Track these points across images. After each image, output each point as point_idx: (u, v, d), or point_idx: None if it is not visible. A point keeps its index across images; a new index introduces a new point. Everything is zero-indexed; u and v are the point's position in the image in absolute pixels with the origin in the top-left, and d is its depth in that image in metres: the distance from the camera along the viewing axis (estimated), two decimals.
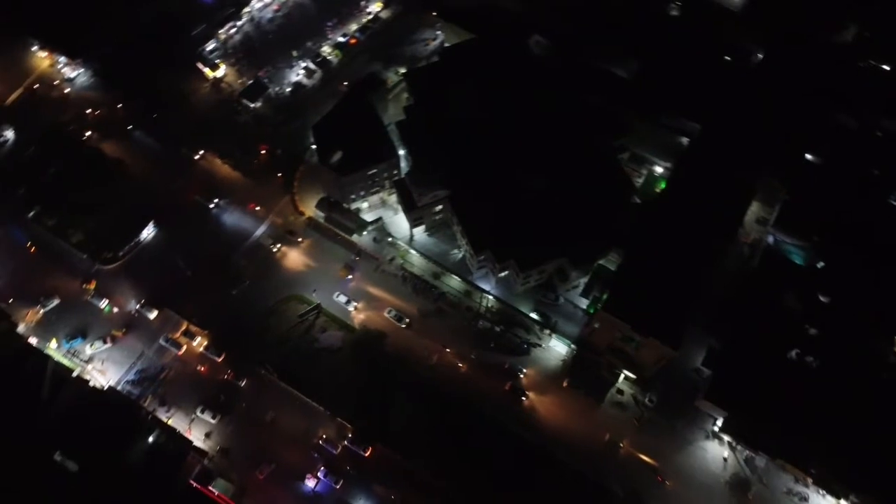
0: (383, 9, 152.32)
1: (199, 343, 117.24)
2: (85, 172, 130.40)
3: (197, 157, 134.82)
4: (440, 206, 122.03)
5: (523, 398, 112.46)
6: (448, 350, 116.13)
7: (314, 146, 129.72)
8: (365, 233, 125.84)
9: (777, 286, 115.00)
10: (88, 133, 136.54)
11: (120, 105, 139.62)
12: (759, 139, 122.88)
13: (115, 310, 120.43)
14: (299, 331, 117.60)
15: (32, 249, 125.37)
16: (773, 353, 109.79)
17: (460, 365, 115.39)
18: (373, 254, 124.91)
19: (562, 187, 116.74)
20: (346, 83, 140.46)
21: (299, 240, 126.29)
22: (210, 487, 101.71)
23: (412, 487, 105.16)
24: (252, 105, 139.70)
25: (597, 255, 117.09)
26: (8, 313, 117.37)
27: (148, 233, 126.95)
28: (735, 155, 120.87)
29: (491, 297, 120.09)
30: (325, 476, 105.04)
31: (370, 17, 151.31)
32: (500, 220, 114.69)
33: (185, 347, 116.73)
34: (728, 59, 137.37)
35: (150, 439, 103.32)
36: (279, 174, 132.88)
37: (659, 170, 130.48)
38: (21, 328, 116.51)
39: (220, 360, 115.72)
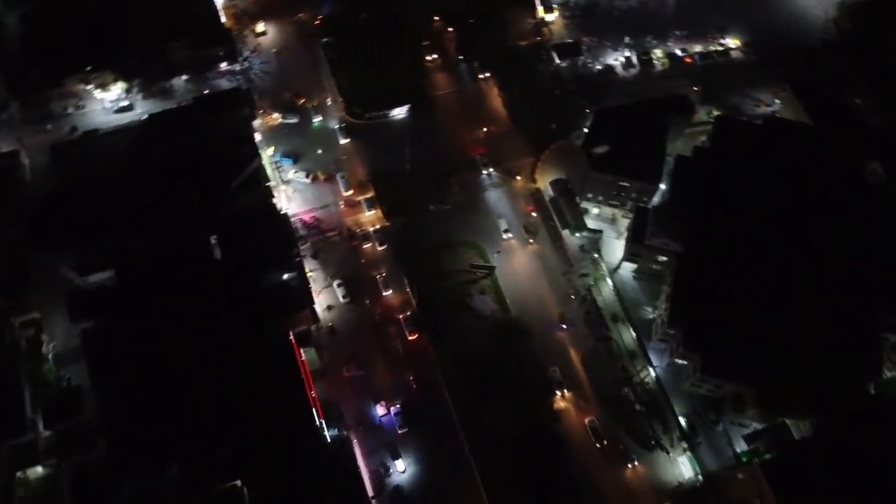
0: (738, 48, 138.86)
1: (372, 221, 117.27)
2: (383, 32, 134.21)
3: (481, 76, 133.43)
4: (665, 258, 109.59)
5: None
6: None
7: (586, 129, 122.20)
8: (578, 235, 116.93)
9: None
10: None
11: None
12: None
13: (320, 151, 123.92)
14: (462, 278, 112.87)
15: (317, 22, 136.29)
16: None
17: (580, 411, 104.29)
18: (571, 259, 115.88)
19: (801, 323, 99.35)
20: None
21: (530, 241, 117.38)
22: (302, 350, 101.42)
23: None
24: (557, 61, 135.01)
25: (792, 411, 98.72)
26: (255, 105, 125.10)
27: (399, 113, 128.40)
28: None
29: (653, 373, 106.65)
30: (395, 414, 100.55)
31: (720, 48, 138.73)
32: (713, 309, 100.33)
33: (353, 192, 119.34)
34: None
35: (285, 276, 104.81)
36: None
37: None
38: (256, 122, 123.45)
39: (381, 248, 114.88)
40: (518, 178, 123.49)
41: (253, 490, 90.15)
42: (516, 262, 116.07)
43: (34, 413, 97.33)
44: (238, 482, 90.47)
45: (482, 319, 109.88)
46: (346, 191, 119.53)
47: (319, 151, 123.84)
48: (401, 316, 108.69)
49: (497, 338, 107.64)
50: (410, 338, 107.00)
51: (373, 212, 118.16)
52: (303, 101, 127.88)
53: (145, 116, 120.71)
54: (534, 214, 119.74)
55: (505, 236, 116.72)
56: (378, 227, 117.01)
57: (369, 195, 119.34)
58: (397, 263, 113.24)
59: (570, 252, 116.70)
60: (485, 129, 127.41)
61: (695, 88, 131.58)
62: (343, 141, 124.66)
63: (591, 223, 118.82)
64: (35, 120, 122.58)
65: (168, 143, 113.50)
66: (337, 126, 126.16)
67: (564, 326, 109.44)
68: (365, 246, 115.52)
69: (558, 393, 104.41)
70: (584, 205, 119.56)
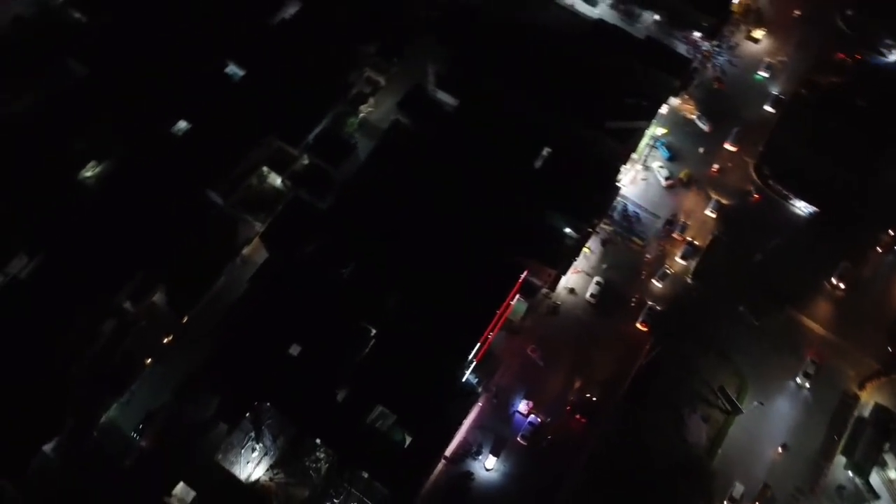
0: None
1: (703, 222, 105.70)
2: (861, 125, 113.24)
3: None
4: None
5: None
6: None
7: None
8: (851, 475, 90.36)
9: None
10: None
11: None
12: None
13: (702, 150, 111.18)
14: (702, 390, 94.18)
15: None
16: None
17: None
18: (818, 485, 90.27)
19: None
20: None
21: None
22: (517, 297, 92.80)
23: None
24: None
25: None
26: (687, 87, 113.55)
27: (803, 208, 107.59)
28: None
29: None
30: (530, 423, 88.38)
31: None
32: None
33: (736, 150, 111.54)
34: None
35: (567, 230, 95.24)
36: None
37: None
38: (673, 100, 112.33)
39: (680, 260, 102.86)
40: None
41: (376, 349, 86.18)
42: (763, 430, 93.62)
43: (312, 140, 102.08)
44: (374, 332, 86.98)
45: (679, 439, 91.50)
46: (732, 144, 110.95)
47: (701, 150, 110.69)
48: (650, 302, 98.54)
49: (675, 467, 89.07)
50: (640, 326, 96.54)
51: (713, 215, 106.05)
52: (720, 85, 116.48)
53: (596, 17, 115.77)
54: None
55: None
56: (696, 241, 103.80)
57: (724, 201, 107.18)
58: (670, 313, 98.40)
59: (824, 479, 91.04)
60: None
61: None
62: (768, 109, 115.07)
63: (875, 480, 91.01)
64: None
65: (592, 51, 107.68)
66: (776, 92, 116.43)
67: None
68: (674, 234, 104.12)
69: None
70: (889, 457, 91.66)
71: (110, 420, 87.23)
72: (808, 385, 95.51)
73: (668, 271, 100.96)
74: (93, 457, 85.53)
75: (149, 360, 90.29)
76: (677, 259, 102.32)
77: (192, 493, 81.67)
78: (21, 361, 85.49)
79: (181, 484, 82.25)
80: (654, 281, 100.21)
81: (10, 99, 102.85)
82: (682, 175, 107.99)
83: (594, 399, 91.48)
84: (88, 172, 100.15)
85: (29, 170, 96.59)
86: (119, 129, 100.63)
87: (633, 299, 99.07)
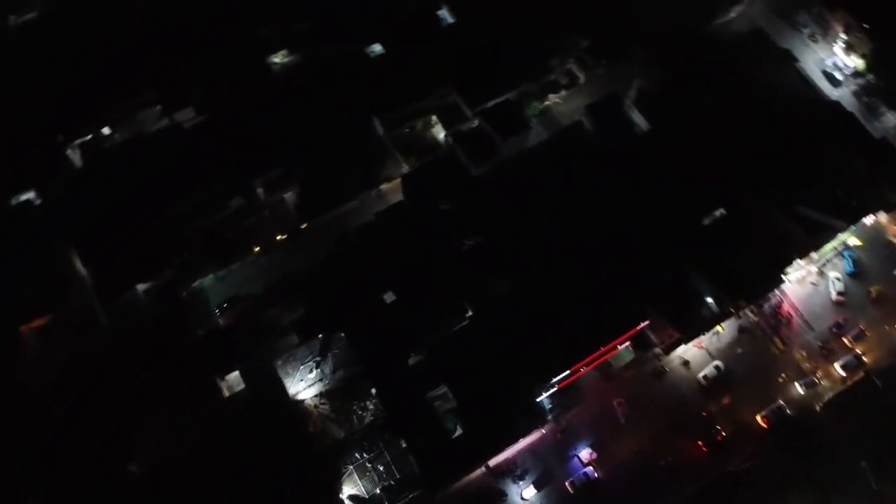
0: None
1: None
2: None
3: None
4: None
5: None
6: None
7: None
8: None
9: None
10: None
11: None
12: None
13: None
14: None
15: None
16: None
17: None
18: None
19: None
20: None
21: None
22: (626, 344, 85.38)
23: None
24: None
25: None
26: None
27: None
28: None
29: None
30: (584, 472, 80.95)
31: None
32: None
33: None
34: None
35: (709, 300, 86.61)
36: None
37: None
38: (881, 218, 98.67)
39: (840, 370, 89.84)
40: None
41: (465, 331, 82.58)
42: None
43: (489, 107, 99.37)
44: (470, 313, 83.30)
45: None
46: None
47: None
48: (781, 401, 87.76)
49: None
50: (760, 420, 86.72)
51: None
52: None
53: (834, 99, 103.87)
54: None
55: None
56: (862, 354, 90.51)
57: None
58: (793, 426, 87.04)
59: None
60: None
61: None
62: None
63: None
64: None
65: (815, 131, 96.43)
66: None
67: None
68: (845, 338, 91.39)
69: None
70: None
71: (202, 287, 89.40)
72: None
73: (817, 380, 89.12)
74: (174, 313, 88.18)
75: (257, 249, 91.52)
76: (836, 366, 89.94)
77: (242, 386, 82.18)
78: (151, 201, 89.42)
79: (236, 373, 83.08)
80: (797, 384, 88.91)
81: None
82: (872, 289, 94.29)
83: (724, 434, 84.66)
84: (277, 59, 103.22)
85: (229, 37, 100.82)
86: (320, 30, 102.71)
87: (782, 377, 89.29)
